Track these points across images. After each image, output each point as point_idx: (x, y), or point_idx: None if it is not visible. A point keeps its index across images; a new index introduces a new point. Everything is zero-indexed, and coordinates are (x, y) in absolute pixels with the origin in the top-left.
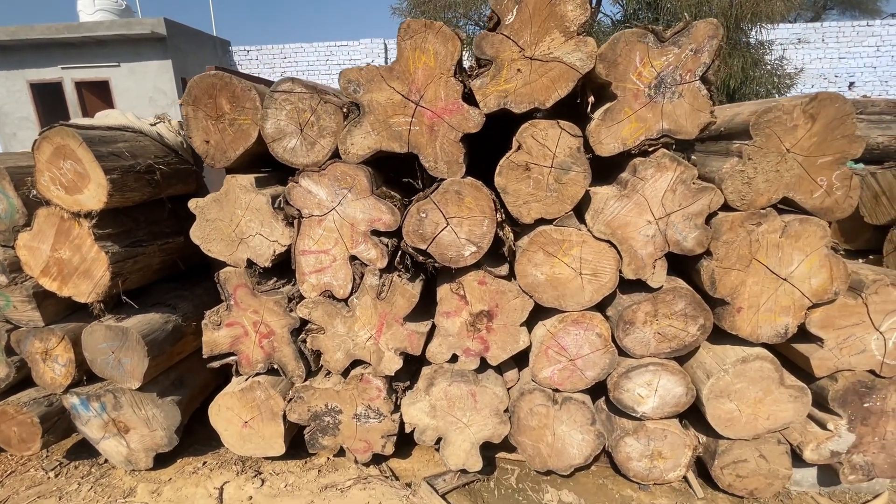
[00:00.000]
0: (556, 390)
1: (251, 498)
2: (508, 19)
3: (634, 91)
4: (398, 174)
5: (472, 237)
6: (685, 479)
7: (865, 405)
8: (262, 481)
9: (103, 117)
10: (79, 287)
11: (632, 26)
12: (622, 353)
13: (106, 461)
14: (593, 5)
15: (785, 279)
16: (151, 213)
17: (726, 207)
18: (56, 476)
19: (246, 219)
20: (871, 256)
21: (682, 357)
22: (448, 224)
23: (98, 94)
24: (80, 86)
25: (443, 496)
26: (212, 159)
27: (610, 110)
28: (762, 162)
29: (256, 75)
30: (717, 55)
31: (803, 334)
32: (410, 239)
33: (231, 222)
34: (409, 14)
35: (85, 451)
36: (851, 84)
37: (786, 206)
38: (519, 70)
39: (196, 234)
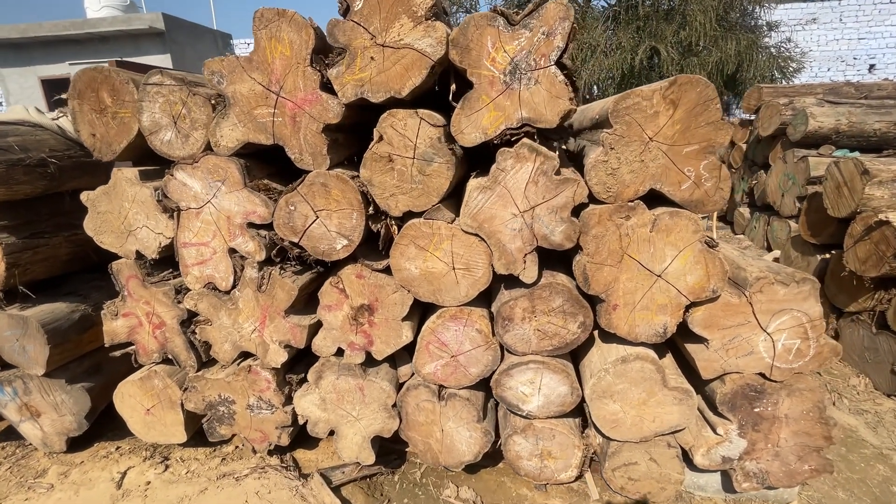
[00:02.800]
0: (442, 386)
1: (149, 483)
2: (357, 5)
3: (490, 78)
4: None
5: (343, 230)
6: (585, 479)
7: (756, 410)
8: (166, 467)
9: (5, 113)
10: None
11: (631, 9)
12: (506, 350)
13: (30, 443)
14: None
15: (659, 276)
16: (57, 206)
17: (598, 201)
18: None
19: (133, 211)
20: (831, 252)
21: (579, 355)
22: (318, 217)
23: None
24: None
25: (338, 487)
26: (99, 152)
27: (468, 98)
28: (625, 151)
29: None
30: (570, 38)
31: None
32: (282, 232)
33: (119, 215)
34: None
35: (16, 433)
36: (872, 67)
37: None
38: (372, 58)
39: (89, 226)
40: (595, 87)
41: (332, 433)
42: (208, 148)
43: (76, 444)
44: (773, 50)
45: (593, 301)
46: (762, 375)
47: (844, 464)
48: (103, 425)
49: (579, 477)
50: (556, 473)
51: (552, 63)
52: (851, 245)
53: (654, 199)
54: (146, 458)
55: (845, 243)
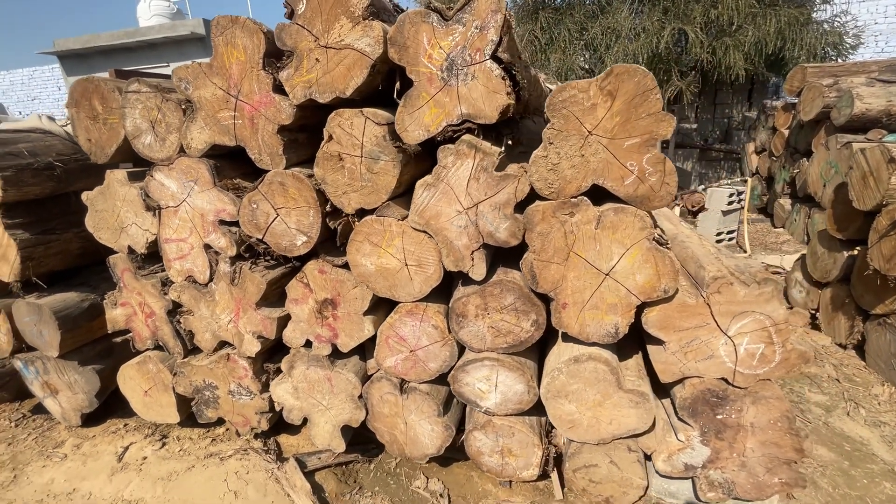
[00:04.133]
0: (404, 380)
1: (146, 458)
2: (300, 9)
3: (428, 75)
4: None
5: (301, 227)
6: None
7: (719, 417)
8: (163, 445)
9: (22, 122)
10: (1, 269)
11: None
12: (463, 346)
13: (53, 417)
14: None
15: (607, 274)
16: (66, 205)
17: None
18: (16, 426)
19: (124, 210)
20: (858, 248)
21: (544, 353)
22: (278, 215)
23: None
24: None
25: (312, 472)
26: (94, 155)
27: (409, 96)
28: (564, 146)
29: None
30: (504, 31)
31: None
32: (247, 229)
33: (113, 213)
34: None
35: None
36: None
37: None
38: (317, 59)
39: (89, 223)
40: None
41: (306, 421)
42: (183, 150)
43: (91, 419)
44: (826, 25)
45: (549, 299)
46: (725, 381)
47: (844, 479)
48: (116, 404)
49: (545, 476)
50: (517, 471)
51: (487, 58)
52: (876, 241)
53: (606, 195)
54: (147, 435)
55: (870, 239)
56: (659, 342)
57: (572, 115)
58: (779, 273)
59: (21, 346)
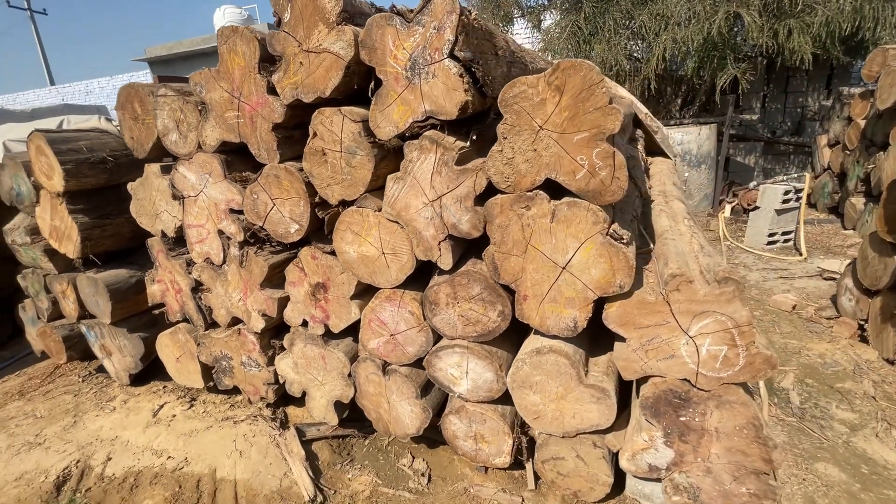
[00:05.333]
0: (387, 362)
1: (175, 416)
2: (286, 17)
3: (395, 74)
4: None
5: (294, 216)
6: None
7: (682, 419)
8: (191, 406)
9: (84, 123)
10: (67, 247)
11: None
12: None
13: (110, 376)
14: None
15: (564, 268)
16: (120, 194)
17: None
18: (83, 381)
19: (158, 198)
20: None
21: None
22: (274, 204)
23: None
24: None
25: (309, 441)
26: (136, 151)
27: (379, 95)
28: (517, 141)
29: None
30: (459, 30)
31: None
32: (250, 217)
33: (150, 201)
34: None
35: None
36: None
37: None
38: (301, 63)
39: (132, 209)
40: (669, 61)
41: (305, 395)
42: (200, 146)
43: (138, 379)
44: None
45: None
46: (688, 382)
47: (849, 502)
48: (160, 368)
49: (521, 465)
50: (490, 457)
51: (445, 56)
52: None
53: (566, 189)
54: (180, 397)
55: None
56: (623, 339)
57: (524, 111)
58: (833, 279)
59: (84, 313)
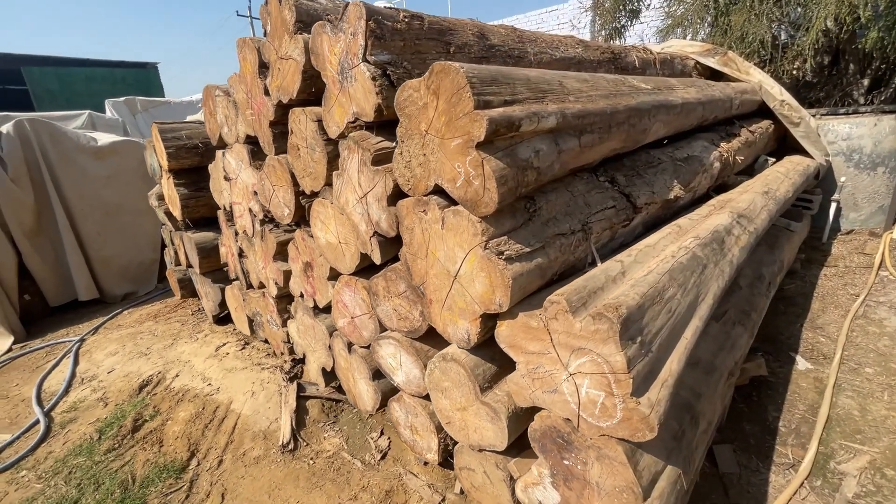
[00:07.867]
0: (351, 342)
1: (228, 354)
2: (268, 28)
3: (332, 78)
4: None
5: (285, 202)
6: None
7: (566, 462)
8: (242, 349)
9: (192, 117)
10: (175, 211)
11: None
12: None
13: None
14: None
15: (455, 277)
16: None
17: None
18: (192, 315)
19: (220, 178)
20: None
21: None
22: (274, 190)
23: None
24: None
25: (304, 397)
26: (212, 140)
27: (325, 97)
28: (411, 145)
29: None
30: (369, 36)
31: None
32: (262, 199)
33: (218, 180)
34: None
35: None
36: None
37: None
38: (279, 69)
39: (211, 187)
40: (846, 31)
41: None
42: (238, 139)
43: (221, 321)
44: None
45: None
46: (571, 424)
47: None
48: None
49: (448, 464)
50: (423, 451)
51: (360, 61)
52: None
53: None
54: (238, 340)
55: None
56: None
57: (413, 115)
58: None
59: (189, 263)
